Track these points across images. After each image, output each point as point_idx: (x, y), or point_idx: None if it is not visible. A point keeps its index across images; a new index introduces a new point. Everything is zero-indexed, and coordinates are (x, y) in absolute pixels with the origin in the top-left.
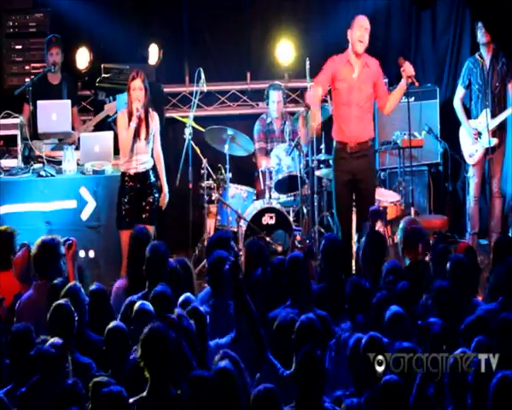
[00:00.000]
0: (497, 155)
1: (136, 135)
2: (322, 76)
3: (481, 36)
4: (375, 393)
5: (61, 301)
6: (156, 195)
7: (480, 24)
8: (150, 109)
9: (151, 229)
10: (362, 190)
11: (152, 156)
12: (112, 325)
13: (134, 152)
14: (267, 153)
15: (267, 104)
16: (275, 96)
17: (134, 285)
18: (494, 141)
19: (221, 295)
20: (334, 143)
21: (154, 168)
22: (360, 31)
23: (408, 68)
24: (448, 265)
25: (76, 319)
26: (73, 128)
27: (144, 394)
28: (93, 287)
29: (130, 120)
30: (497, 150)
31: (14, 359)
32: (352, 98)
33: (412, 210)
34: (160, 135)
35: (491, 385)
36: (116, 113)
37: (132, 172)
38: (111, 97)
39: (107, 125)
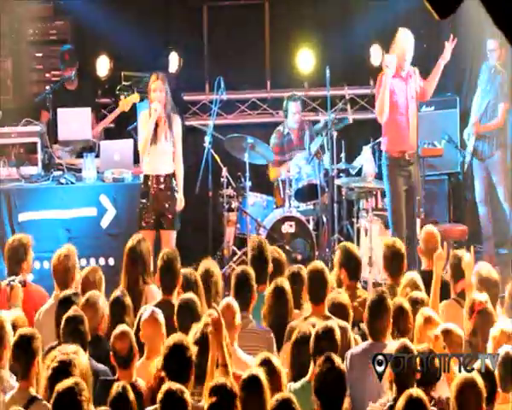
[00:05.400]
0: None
1: (155, 136)
2: None
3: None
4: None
5: (72, 311)
6: (177, 200)
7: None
8: (172, 113)
9: (173, 233)
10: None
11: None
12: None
13: (151, 153)
14: (280, 164)
15: (285, 116)
16: (294, 108)
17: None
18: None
19: None
20: (385, 153)
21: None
22: (406, 46)
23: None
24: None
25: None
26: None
27: None
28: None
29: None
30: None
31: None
32: (398, 110)
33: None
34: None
35: None
36: (133, 108)
37: (154, 174)
38: (125, 93)
39: (126, 132)
